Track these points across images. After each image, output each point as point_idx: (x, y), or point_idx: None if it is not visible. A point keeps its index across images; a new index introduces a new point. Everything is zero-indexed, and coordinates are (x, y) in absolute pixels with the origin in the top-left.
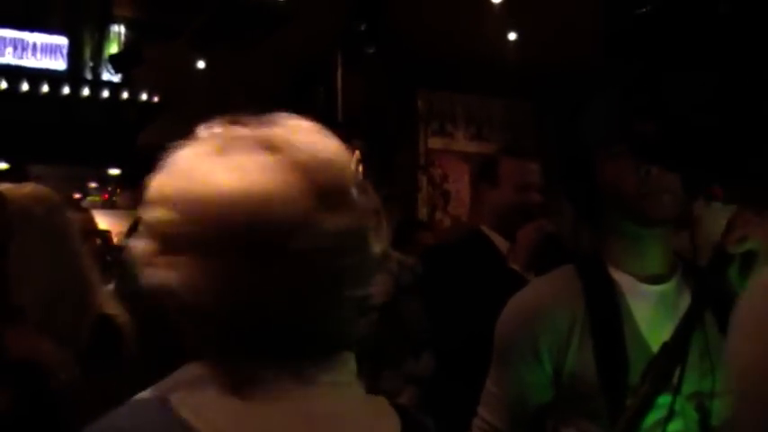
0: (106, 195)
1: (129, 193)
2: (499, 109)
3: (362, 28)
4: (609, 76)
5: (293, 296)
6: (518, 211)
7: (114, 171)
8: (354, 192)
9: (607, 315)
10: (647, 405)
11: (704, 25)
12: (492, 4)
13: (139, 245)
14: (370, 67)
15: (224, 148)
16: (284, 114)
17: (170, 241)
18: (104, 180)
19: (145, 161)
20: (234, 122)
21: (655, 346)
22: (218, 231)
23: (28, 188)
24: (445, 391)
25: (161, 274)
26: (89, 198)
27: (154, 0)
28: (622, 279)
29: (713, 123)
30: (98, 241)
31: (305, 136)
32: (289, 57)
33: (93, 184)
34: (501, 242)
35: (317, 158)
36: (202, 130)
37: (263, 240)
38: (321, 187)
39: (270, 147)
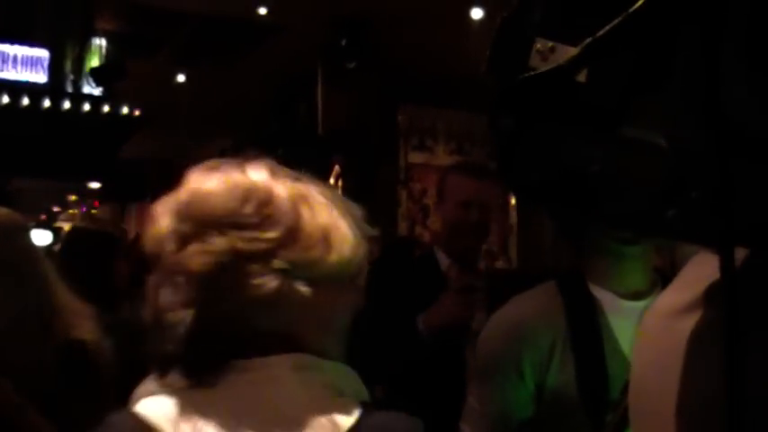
0: (84, 208)
1: (109, 206)
2: (480, 125)
3: (344, 43)
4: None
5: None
6: (458, 229)
7: (94, 185)
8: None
9: (588, 332)
10: (626, 420)
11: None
12: (473, 20)
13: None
14: (352, 83)
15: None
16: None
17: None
18: (84, 194)
19: (126, 175)
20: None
21: None
22: None
23: None
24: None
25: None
26: (69, 211)
27: (136, 13)
28: (603, 296)
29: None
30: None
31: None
32: (270, 72)
33: (72, 198)
34: (443, 259)
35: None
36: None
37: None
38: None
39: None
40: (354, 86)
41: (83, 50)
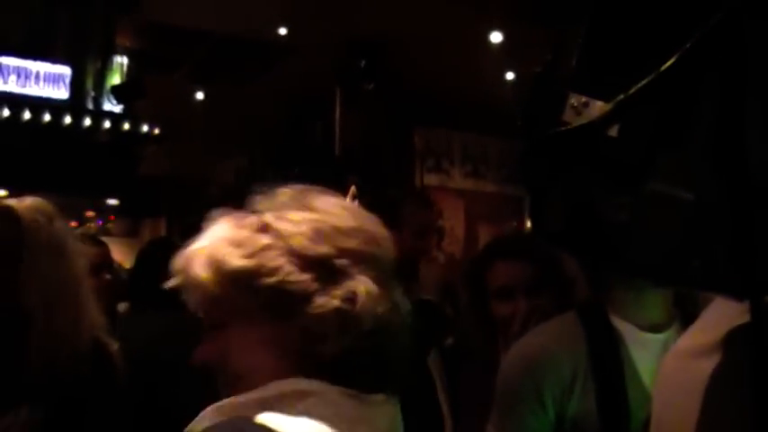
0: (100, 222)
1: (126, 221)
2: (495, 147)
3: (362, 65)
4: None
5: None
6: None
7: (112, 201)
8: None
9: (609, 362)
10: None
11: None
12: (490, 43)
13: None
14: (369, 104)
15: None
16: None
17: None
18: (102, 210)
19: (144, 192)
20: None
21: None
22: None
23: (28, 201)
24: None
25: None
26: (87, 225)
27: (156, 32)
28: (623, 327)
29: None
30: (107, 276)
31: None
32: (287, 92)
33: (90, 213)
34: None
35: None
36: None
37: None
38: None
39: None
40: (371, 108)
41: (104, 68)
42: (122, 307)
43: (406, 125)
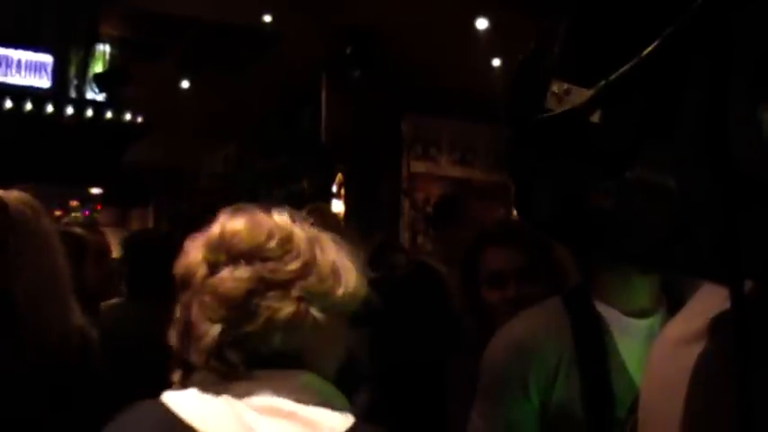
0: (86, 212)
1: (112, 210)
2: (484, 135)
3: (349, 52)
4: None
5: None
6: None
7: (96, 190)
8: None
9: (593, 349)
10: None
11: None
12: (477, 30)
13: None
14: (356, 91)
15: None
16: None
17: None
18: (86, 199)
19: (128, 180)
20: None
21: (640, 380)
22: None
23: (15, 193)
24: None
25: None
26: (72, 215)
27: (140, 20)
28: (609, 313)
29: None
30: (109, 263)
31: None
32: (275, 79)
33: (74, 203)
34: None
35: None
36: None
37: None
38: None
39: None
40: (358, 95)
41: (87, 56)
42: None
43: (393, 112)
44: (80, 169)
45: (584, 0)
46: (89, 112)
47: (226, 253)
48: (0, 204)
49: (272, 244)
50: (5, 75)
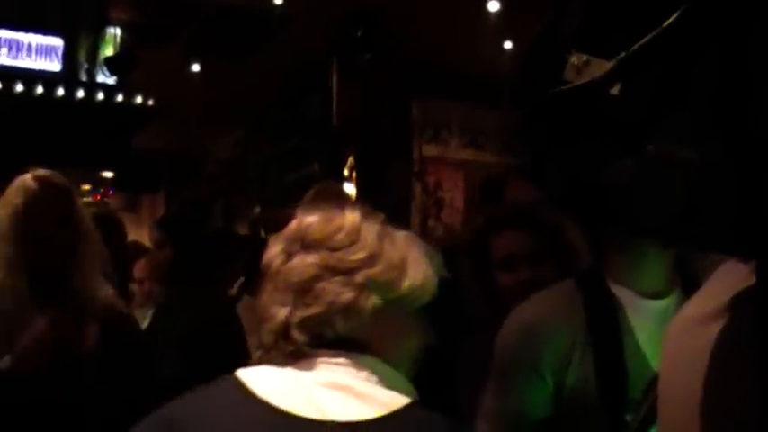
0: (98, 197)
1: (123, 196)
2: (494, 118)
3: (359, 35)
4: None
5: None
6: None
7: (108, 174)
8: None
9: (607, 330)
10: (650, 419)
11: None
12: (489, 13)
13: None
14: (366, 75)
15: None
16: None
17: None
18: (98, 182)
19: (139, 165)
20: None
21: (654, 361)
22: None
23: (59, 176)
24: None
25: None
26: (83, 200)
27: (150, 3)
28: (622, 294)
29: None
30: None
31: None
32: (284, 63)
33: (85, 187)
34: None
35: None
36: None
37: None
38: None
39: None
40: (369, 79)
41: (97, 39)
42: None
43: (403, 96)
44: (91, 153)
45: None
46: (100, 96)
47: (300, 243)
48: (65, 186)
49: (341, 235)
50: (16, 58)
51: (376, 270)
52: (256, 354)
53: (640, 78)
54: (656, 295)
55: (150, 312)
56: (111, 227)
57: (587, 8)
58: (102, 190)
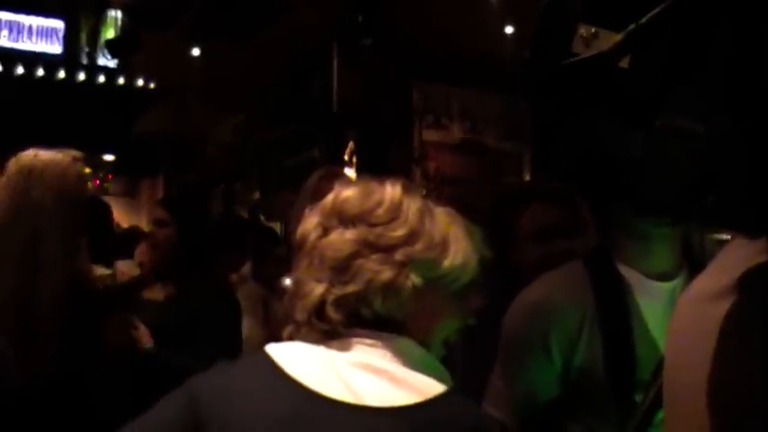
0: (97, 182)
1: (124, 180)
2: (495, 103)
3: (359, 19)
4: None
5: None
6: None
7: (108, 157)
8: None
9: (616, 311)
10: (659, 402)
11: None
12: None
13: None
14: (367, 59)
15: None
16: None
17: None
18: (98, 166)
19: (139, 149)
20: None
21: (662, 342)
22: None
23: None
24: None
25: None
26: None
27: None
28: (630, 275)
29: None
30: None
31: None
32: (285, 47)
33: (87, 170)
34: None
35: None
36: None
37: None
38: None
39: None
40: (369, 63)
41: (98, 22)
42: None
43: (404, 81)
44: (92, 136)
45: None
46: (101, 78)
47: (337, 217)
48: (82, 172)
49: (381, 211)
50: (17, 40)
51: (417, 248)
52: (287, 329)
53: (650, 51)
54: (664, 277)
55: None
56: (99, 210)
57: None
58: (101, 174)
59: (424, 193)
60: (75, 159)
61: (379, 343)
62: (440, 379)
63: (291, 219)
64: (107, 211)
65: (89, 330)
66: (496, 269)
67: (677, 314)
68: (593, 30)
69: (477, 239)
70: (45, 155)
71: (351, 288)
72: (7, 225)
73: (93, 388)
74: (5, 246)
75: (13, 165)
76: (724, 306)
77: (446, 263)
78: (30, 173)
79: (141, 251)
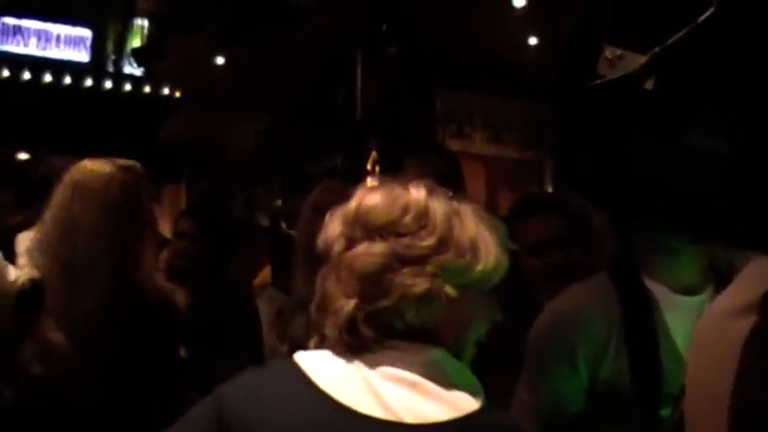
0: None
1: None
2: (517, 112)
3: (384, 28)
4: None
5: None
6: None
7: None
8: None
9: (642, 324)
10: None
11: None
12: (514, 8)
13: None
14: (390, 68)
15: None
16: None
17: None
18: None
19: (163, 154)
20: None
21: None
22: None
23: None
24: None
25: None
26: None
27: None
28: (657, 289)
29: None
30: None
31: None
32: (309, 55)
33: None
34: None
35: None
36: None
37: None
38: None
39: None
40: (393, 72)
41: (125, 30)
42: None
43: (427, 89)
44: (118, 144)
45: None
46: (127, 86)
47: (362, 228)
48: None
49: (408, 219)
50: (45, 49)
51: (448, 256)
52: (314, 339)
53: (675, 71)
54: (691, 291)
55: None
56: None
57: (621, 2)
58: None
59: (450, 194)
60: (120, 169)
61: (411, 355)
62: (473, 391)
63: (298, 230)
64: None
65: (138, 342)
66: (506, 281)
67: (700, 328)
68: (618, 51)
69: (502, 234)
70: (90, 166)
71: (383, 303)
72: (51, 242)
73: (140, 397)
74: (50, 260)
75: (64, 178)
76: (746, 322)
77: (478, 267)
78: (74, 187)
79: (162, 259)
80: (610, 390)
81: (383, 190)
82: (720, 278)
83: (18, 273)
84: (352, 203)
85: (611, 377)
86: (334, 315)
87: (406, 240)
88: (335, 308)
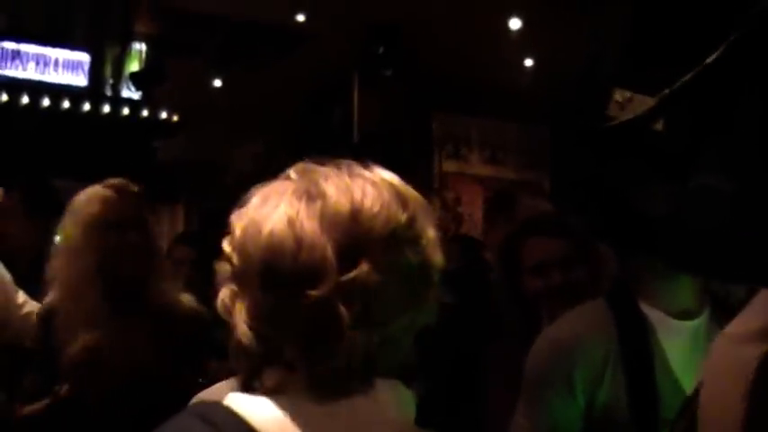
0: None
1: None
2: (514, 133)
3: (380, 51)
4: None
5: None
6: None
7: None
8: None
9: (639, 349)
10: None
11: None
12: (510, 30)
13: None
14: (387, 90)
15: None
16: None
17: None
18: None
19: (163, 178)
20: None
21: (686, 381)
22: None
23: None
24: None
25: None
26: None
27: (174, 18)
28: (653, 314)
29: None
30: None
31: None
32: (306, 77)
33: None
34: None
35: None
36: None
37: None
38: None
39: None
40: (389, 93)
41: (123, 54)
42: None
43: (424, 111)
44: (116, 166)
45: (643, 10)
46: (125, 110)
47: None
48: (139, 193)
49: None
50: (43, 73)
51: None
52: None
53: (683, 111)
54: (687, 315)
55: None
56: None
57: (629, 45)
58: None
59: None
60: (106, 187)
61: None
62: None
63: None
64: None
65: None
66: (510, 299)
67: (712, 354)
68: (628, 94)
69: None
70: (84, 191)
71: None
72: (63, 270)
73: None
74: (63, 290)
75: (69, 206)
76: (756, 349)
77: None
78: (68, 212)
79: None
80: (607, 415)
81: None
82: (716, 302)
83: (25, 297)
84: None
85: (608, 402)
86: None
87: None
88: None
